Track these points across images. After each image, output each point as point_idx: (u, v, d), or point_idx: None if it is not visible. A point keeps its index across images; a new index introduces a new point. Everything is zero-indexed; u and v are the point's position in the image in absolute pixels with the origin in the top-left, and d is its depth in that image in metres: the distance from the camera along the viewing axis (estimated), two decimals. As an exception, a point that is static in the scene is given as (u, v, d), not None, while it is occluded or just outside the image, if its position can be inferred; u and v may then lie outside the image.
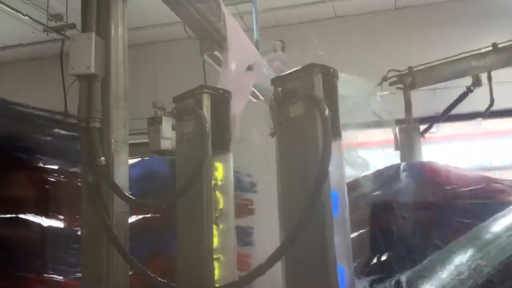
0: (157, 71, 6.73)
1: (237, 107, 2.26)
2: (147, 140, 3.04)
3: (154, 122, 3.49)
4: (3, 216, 2.61)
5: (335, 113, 1.70)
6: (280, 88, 1.77)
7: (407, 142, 4.03)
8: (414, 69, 4.15)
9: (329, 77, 1.73)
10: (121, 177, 1.98)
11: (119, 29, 2.07)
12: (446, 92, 4.60)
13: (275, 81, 1.80)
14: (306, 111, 1.67)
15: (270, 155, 1.82)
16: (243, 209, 3.98)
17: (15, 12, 5.55)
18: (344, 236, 1.65)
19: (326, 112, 1.58)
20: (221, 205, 1.87)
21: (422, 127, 4.29)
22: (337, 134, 1.70)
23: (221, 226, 1.85)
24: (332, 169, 1.57)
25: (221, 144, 1.94)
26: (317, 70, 1.71)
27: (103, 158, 1.93)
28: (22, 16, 5.62)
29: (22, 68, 7.35)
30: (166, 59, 6.68)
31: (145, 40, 6.49)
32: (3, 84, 6.82)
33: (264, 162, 2.57)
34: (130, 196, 1.91)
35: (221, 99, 1.98)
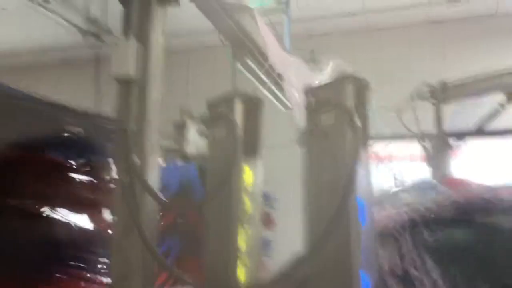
0: (189, 78, 6.84)
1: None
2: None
3: (180, 127, 3.56)
4: (32, 212, 2.70)
5: (365, 124, 1.73)
6: (312, 98, 1.81)
7: (437, 156, 4.00)
8: (447, 83, 4.12)
9: (362, 88, 1.77)
10: (154, 179, 2.04)
11: (159, 35, 2.14)
12: (477, 108, 4.55)
13: (308, 91, 1.84)
14: (337, 120, 1.71)
15: (291, 166, 1.84)
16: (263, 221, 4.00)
17: (54, 16, 5.68)
18: (369, 245, 1.67)
19: (357, 121, 1.62)
20: (249, 210, 1.91)
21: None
22: (366, 145, 1.73)
23: (248, 230, 1.89)
24: (360, 178, 1.60)
25: (252, 150, 1.99)
26: (350, 81, 1.74)
27: (137, 160, 1.99)
28: (62, 21, 5.77)
29: (58, 72, 7.56)
30: (199, 66, 6.79)
31: (179, 47, 6.61)
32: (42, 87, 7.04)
33: (285, 174, 2.57)
34: (162, 198, 1.96)
35: (254, 105, 2.03)
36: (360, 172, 1.60)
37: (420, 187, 3.39)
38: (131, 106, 2.07)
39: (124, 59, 2.07)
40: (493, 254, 2.17)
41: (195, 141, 3.61)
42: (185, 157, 3.74)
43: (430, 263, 2.14)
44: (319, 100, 1.79)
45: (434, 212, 2.29)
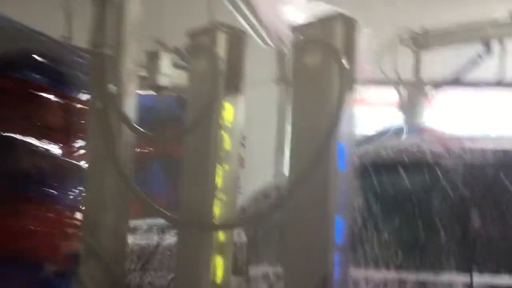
0: (165, 4, 6.56)
1: None
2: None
3: (153, 56, 3.44)
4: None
5: (353, 66, 1.69)
6: (299, 36, 1.74)
7: (411, 104, 4.03)
8: (429, 30, 4.09)
9: (351, 28, 1.70)
10: (129, 108, 1.98)
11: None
12: (456, 58, 4.55)
13: (296, 29, 1.77)
14: (324, 61, 1.66)
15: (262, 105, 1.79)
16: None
17: None
18: (346, 189, 1.67)
19: (345, 63, 1.58)
20: (228, 147, 1.88)
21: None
22: (352, 88, 1.69)
23: (226, 167, 1.87)
24: (344, 122, 1.58)
25: (233, 86, 1.93)
26: (339, 21, 1.68)
27: (113, 86, 1.91)
28: None
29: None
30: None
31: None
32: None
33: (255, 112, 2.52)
34: (138, 127, 1.91)
35: (237, 38, 1.95)
36: (344, 116, 1.58)
37: (388, 133, 3.43)
38: (106, 28, 1.96)
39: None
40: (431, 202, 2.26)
41: (168, 72, 3.51)
42: (157, 88, 3.64)
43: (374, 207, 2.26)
44: (306, 38, 1.73)
45: (384, 157, 2.38)
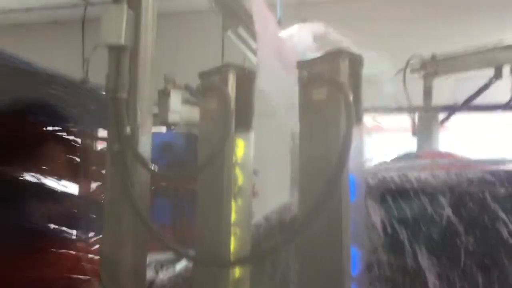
0: (179, 44, 6.75)
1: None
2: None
3: (163, 94, 3.52)
4: (22, 179, 2.68)
5: (358, 99, 1.73)
6: (305, 72, 1.80)
7: (425, 130, 4.04)
8: (437, 57, 4.12)
9: (355, 63, 1.76)
10: (145, 148, 2.04)
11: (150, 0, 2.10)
12: (468, 82, 4.57)
13: (301, 64, 1.83)
14: (329, 96, 1.71)
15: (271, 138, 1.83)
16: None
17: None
18: (359, 220, 1.70)
19: (350, 98, 1.62)
20: (240, 182, 1.93)
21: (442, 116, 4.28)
22: (359, 120, 1.73)
23: (239, 201, 1.91)
24: (352, 154, 1.61)
25: (244, 122, 1.98)
26: (344, 56, 1.73)
27: (128, 128, 1.98)
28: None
29: (45, 32, 7.40)
30: (189, 32, 6.69)
31: (168, 10, 6.48)
32: (26, 47, 6.88)
33: (264, 145, 2.56)
34: (153, 167, 1.97)
35: (246, 77, 2.02)
36: (353, 147, 1.61)
37: (401, 160, 3.43)
38: (121, 73, 2.04)
39: (114, 25, 2.03)
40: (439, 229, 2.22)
41: (178, 109, 3.58)
42: (167, 125, 3.71)
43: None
44: (312, 74, 1.78)
45: (396, 183, 2.34)
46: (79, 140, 2.90)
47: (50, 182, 2.71)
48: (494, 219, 2.16)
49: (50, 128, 2.87)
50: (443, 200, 2.24)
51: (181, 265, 2.47)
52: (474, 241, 2.16)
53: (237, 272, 1.85)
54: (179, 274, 2.42)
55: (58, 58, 5.23)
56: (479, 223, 2.19)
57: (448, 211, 2.22)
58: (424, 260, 2.17)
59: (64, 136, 2.86)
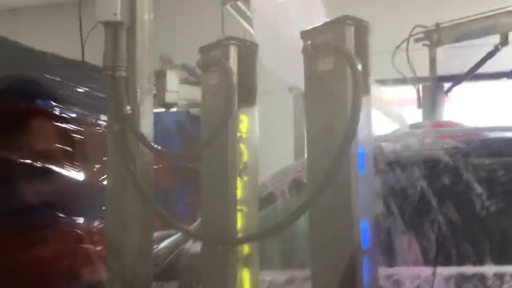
0: (176, 21, 6.62)
1: None
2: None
3: (160, 75, 3.46)
4: (23, 163, 2.64)
5: (366, 69, 1.67)
6: (309, 42, 1.73)
7: (430, 100, 3.97)
8: (441, 25, 4.03)
9: (362, 30, 1.69)
10: (146, 127, 1.99)
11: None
12: (472, 51, 4.48)
13: (305, 34, 1.76)
14: (336, 65, 1.64)
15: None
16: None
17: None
18: (368, 192, 1.65)
19: (358, 67, 1.56)
20: (245, 158, 1.88)
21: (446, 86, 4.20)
22: (366, 90, 1.67)
23: (245, 178, 1.86)
24: (360, 125, 1.56)
25: (247, 97, 1.93)
26: (350, 23, 1.66)
27: (128, 107, 1.93)
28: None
29: (41, 15, 7.29)
30: (187, 7, 6.56)
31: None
32: (23, 30, 6.78)
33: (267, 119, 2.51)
34: (155, 146, 1.92)
35: (248, 51, 1.95)
36: (361, 119, 1.56)
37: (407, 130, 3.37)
38: (119, 50, 1.99)
39: (110, 1, 1.96)
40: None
41: (175, 89, 3.53)
42: (164, 105, 3.66)
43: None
44: (317, 44, 1.72)
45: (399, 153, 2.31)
46: (77, 121, 2.85)
47: (45, 163, 2.67)
48: (467, 188, 2.15)
49: (44, 108, 2.82)
50: (416, 170, 2.22)
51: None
52: (447, 209, 2.14)
53: (245, 248, 1.82)
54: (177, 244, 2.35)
55: (55, 41, 5.15)
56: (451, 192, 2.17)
57: (422, 181, 2.20)
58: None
59: (60, 117, 2.80)
